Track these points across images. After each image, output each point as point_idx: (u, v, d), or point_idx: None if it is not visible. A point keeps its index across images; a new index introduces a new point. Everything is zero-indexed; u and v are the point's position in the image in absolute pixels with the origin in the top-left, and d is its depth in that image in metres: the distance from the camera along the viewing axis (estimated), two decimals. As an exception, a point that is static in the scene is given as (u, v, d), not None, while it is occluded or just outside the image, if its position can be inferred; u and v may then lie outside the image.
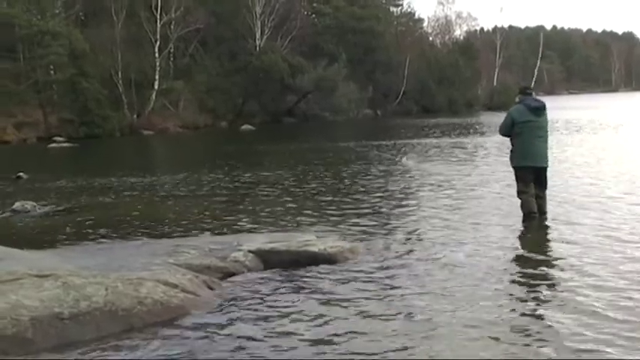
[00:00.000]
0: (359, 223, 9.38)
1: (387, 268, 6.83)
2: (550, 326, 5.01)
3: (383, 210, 10.54)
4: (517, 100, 9.46)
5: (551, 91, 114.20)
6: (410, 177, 14.89)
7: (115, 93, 42.86)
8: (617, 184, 11.96)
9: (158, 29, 45.94)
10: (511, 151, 9.34)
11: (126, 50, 44.01)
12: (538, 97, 9.47)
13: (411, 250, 7.51)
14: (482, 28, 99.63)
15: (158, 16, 45.81)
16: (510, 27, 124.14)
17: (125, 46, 44.11)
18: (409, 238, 8.20)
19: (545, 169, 9.23)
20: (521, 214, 9.12)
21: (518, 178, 9.25)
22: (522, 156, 9.16)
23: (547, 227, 8.64)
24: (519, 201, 9.21)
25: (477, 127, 36.07)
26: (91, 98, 39.68)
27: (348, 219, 9.71)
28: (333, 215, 10.11)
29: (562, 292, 5.83)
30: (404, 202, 11.29)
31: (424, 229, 8.78)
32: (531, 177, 9.14)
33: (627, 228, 8.25)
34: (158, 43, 45.99)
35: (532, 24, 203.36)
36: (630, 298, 5.56)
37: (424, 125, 39.63)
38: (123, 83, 43.31)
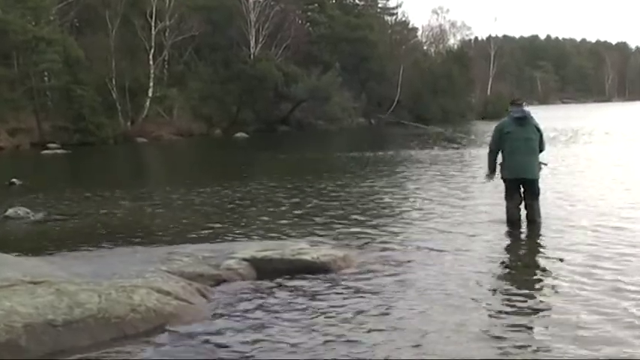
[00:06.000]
0: (352, 232, 9.41)
1: (379, 277, 6.86)
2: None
3: (377, 219, 10.56)
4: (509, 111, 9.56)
5: (545, 101, 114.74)
6: (403, 187, 14.94)
7: (109, 100, 42.67)
8: (611, 192, 12.05)
9: (153, 36, 45.86)
10: (500, 163, 9.41)
11: (120, 57, 43.89)
12: (524, 108, 9.33)
13: (406, 260, 7.54)
14: (476, 38, 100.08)
15: (153, 24, 45.73)
16: (504, 36, 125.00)
17: (119, 53, 43.98)
18: (404, 248, 8.23)
19: (532, 181, 9.16)
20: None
21: (505, 188, 9.38)
22: (505, 168, 9.25)
23: (536, 237, 8.70)
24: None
25: (470, 136, 36.12)
26: (85, 105, 39.54)
27: (341, 228, 9.73)
28: (326, 224, 10.13)
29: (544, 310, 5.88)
30: (397, 212, 11.32)
31: (417, 239, 8.81)
32: (516, 188, 9.19)
33: (609, 230, 8.49)
34: (152, 50, 45.90)
35: (526, 34, 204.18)
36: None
37: (418, 134, 39.66)
38: (117, 90, 43.12)
